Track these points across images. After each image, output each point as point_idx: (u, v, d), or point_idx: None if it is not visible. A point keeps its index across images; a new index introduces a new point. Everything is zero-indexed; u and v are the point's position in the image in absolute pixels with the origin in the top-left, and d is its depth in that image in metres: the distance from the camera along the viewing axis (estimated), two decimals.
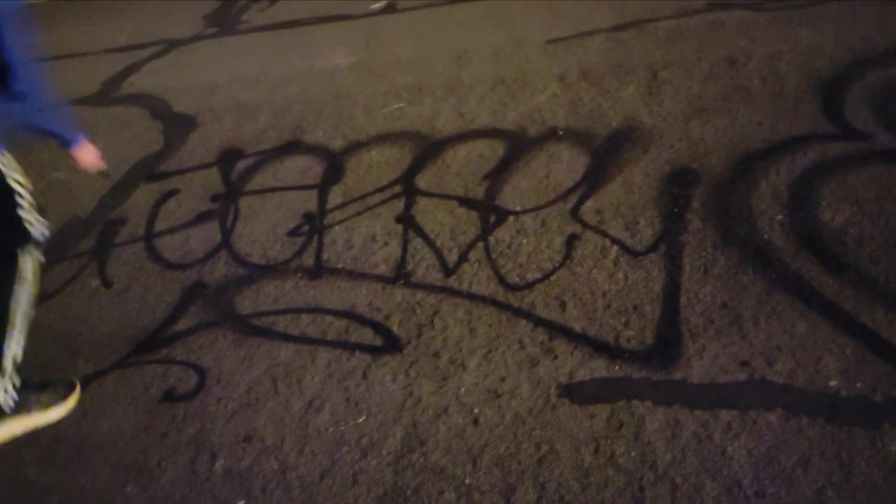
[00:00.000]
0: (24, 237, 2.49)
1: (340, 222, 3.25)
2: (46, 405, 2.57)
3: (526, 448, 2.15)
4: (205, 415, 2.50)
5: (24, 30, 2.24)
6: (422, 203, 3.25)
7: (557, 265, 2.76)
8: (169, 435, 2.46)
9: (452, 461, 2.17)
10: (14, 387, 2.49)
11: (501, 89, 3.94)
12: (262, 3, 5.93)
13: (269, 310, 2.87)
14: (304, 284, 2.96)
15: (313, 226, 3.27)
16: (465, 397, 2.35)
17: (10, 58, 2.25)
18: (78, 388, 2.66)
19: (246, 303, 2.93)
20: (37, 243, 2.54)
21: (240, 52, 5.29)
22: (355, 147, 3.75)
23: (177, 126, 4.40)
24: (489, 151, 3.47)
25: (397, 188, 3.37)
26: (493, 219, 3.06)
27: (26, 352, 2.51)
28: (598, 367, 2.34)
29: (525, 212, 3.06)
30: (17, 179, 2.45)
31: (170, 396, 2.61)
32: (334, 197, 3.42)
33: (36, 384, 2.58)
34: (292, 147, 3.88)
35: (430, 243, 3.01)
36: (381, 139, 3.76)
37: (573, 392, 2.28)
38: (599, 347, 2.41)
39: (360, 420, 2.36)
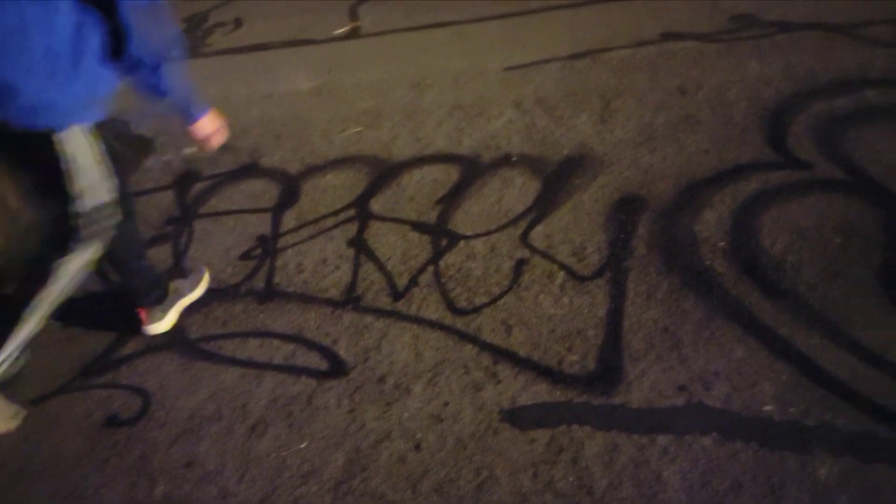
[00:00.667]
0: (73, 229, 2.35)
1: (293, 245, 3.25)
2: None
3: (466, 473, 2.16)
4: (147, 440, 2.47)
5: None
6: (375, 227, 3.26)
7: (505, 290, 2.79)
8: (110, 461, 2.42)
9: (392, 487, 2.16)
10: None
11: (459, 115, 3.98)
12: (227, 26, 5.94)
13: (218, 333, 2.85)
14: (254, 308, 2.95)
15: (266, 249, 3.27)
16: (409, 422, 2.35)
17: (127, 20, 2.07)
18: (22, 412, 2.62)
19: (194, 326, 2.90)
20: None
21: (203, 75, 5.21)
22: (312, 171, 3.76)
23: (135, 148, 4.37)
24: (444, 176, 3.50)
25: (351, 212, 3.38)
26: (444, 243, 3.09)
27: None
28: (541, 392, 2.36)
29: (476, 236, 3.08)
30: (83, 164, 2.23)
31: (113, 421, 2.56)
32: (288, 220, 3.42)
33: None
34: (249, 170, 3.88)
35: (381, 267, 3.02)
36: (338, 163, 3.77)
37: (515, 417, 2.30)
38: (543, 372, 2.43)
39: (303, 445, 2.34)
